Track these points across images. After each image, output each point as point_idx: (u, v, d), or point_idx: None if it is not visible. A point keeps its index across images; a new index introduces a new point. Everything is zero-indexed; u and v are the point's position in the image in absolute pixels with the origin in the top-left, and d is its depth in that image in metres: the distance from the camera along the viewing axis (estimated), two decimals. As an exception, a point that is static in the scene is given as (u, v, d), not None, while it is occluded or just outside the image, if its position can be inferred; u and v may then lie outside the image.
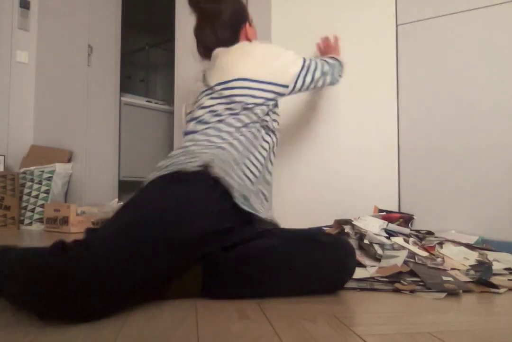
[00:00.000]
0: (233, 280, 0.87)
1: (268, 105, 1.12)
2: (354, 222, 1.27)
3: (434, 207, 1.49)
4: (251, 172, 1.07)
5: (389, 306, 0.85)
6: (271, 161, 1.17)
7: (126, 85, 3.36)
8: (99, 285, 0.70)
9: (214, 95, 1.10)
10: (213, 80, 1.13)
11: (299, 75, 1.17)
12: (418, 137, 1.54)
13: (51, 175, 2.56)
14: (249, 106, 1.08)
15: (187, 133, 1.11)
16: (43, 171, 2.56)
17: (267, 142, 1.14)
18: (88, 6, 2.75)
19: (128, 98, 3.09)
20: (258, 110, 1.10)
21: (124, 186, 2.97)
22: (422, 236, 1.29)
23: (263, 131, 1.12)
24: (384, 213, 1.42)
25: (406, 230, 1.28)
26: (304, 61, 1.19)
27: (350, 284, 0.97)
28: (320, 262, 0.88)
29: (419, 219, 1.47)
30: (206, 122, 1.08)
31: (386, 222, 1.30)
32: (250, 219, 0.99)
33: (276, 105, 1.18)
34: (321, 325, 0.69)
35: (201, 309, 0.79)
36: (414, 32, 1.56)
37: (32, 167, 2.58)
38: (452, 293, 0.91)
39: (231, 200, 0.93)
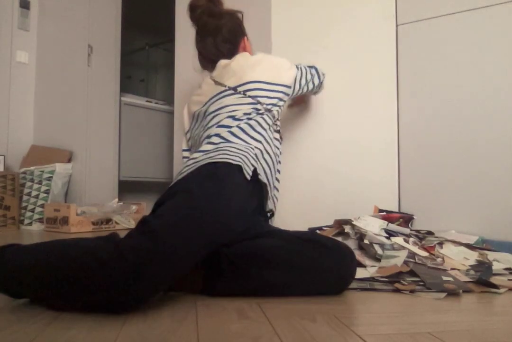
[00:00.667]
0: (234, 276, 0.88)
1: (280, 106, 1.24)
2: (354, 222, 1.27)
3: (434, 207, 1.49)
4: (276, 178, 1.21)
5: (389, 306, 0.85)
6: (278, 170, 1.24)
7: (126, 85, 3.36)
8: (161, 270, 0.73)
9: (238, 95, 1.18)
10: (230, 83, 1.21)
11: (296, 78, 1.29)
12: (418, 137, 1.54)
13: (51, 175, 2.56)
14: (269, 106, 1.18)
15: (220, 126, 1.14)
16: (43, 171, 2.56)
17: (279, 149, 1.25)
18: (88, 6, 2.75)
19: (128, 98, 3.09)
20: (274, 111, 1.21)
21: (124, 186, 2.97)
22: (422, 236, 1.29)
23: (278, 136, 1.23)
24: (384, 213, 1.42)
25: (406, 230, 1.28)
26: (298, 67, 1.32)
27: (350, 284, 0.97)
28: (321, 263, 0.88)
29: (419, 219, 1.47)
30: (238, 119, 1.14)
31: (386, 222, 1.30)
32: (266, 218, 1.10)
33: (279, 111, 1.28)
34: (321, 325, 0.69)
35: (201, 308, 0.79)
36: (414, 32, 1.56)
37: (32, 167, 2.58)
38: (452, 293, 0.91)
39: (260, 198, 1.06)
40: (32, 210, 2.51)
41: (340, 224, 1.33)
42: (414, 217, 1.47)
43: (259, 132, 1.14)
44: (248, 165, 1.00)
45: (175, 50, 2.25)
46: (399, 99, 1.59)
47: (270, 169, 1.13)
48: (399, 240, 1.21)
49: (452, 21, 1.49)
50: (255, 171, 1.02)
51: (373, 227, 1.25)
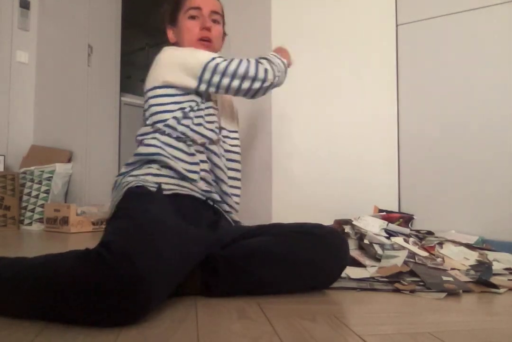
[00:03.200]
0: (231, 277, 0.88)
1: (182, 110, 1.08)
2: (354, 222, 1.27)
3: (434, 207, 1.49)
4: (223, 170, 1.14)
5: (389, 306, 0.85)
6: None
7: (126, 85, 3.35)
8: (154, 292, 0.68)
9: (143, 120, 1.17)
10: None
11: (202, 76, 1.06)
12: (418, 137, 1.54)
13: (51, 175, 2.56)
14: (157, 116, 1.11)
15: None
16: (43, 171, 2.56)
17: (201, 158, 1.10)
18: (88, 6, 2.75)
19: (128, 98, 3.09)
20: (171, 121, 1.08)
21: (124, 186, 2.96)
22: (422, 236, 1.29)
23: (191, 148, 1.09)
24: (384, 213, 1.42)
25: (406, 230, 1.28)
26: (210, 62, 1.06)
27: (350, 284, 0.97)
28: (314, 255, 0.89)
29: (419, 219, 1.47)
30: (140, 141, 1.18)
31: (386, 222, 1.30)
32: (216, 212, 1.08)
33: (193, 111, 1.10)
34: (321, 325, 0.69)
35: (201, 308, 0.79)
36: (414, 32, 1.56)
37: (32, 167, 2.58)
38: (452, 293, 0.91)
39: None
40: (32, 210, 2.51)
41: (340, 224, 1.32)
42: (414, 217, 1.46)
43: (170, 145, 1.10)
44: (148, 183, 1.01)
45: (175, 50, 2.24)
46: (399, 100, 1.59)
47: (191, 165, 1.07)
48: (399, 240, 1.21)
49: (452, 21, 1.49)
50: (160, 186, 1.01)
51: (373, 227, 1.25)
